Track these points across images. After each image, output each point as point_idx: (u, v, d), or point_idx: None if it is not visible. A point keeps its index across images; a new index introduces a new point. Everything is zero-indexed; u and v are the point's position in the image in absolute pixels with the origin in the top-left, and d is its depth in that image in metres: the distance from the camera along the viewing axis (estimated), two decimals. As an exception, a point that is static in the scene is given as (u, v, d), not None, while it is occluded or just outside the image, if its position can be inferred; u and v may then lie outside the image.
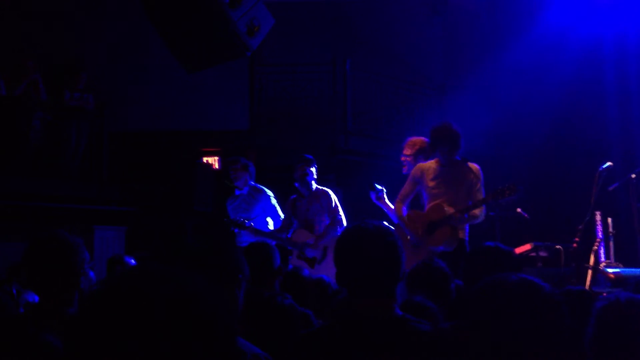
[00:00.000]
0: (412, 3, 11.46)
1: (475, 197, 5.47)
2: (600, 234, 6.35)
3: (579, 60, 9.24)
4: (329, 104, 10.34)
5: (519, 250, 6.69)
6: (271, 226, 6.92)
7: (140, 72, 10.59)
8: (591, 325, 2.09)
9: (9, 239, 7.76)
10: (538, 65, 9.67)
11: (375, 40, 11.20)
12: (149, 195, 9.45)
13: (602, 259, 6.28)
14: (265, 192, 6.98)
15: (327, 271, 5.30)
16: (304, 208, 6.61)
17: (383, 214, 6.22)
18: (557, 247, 6.69)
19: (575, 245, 6.13)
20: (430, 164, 5.68)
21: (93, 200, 9.10)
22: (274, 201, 6.99)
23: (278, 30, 7.23)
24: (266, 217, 6.95)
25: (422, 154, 5.97)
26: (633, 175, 6.33)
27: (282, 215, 6.85)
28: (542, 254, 6.89)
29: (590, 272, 6.19)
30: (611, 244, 6.40)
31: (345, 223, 6.48)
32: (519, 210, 6.95)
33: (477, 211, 5.43)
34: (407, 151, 6.07)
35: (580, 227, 6.13)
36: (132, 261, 5.68)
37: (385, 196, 6.11)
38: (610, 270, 6.04)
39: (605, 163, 6.24)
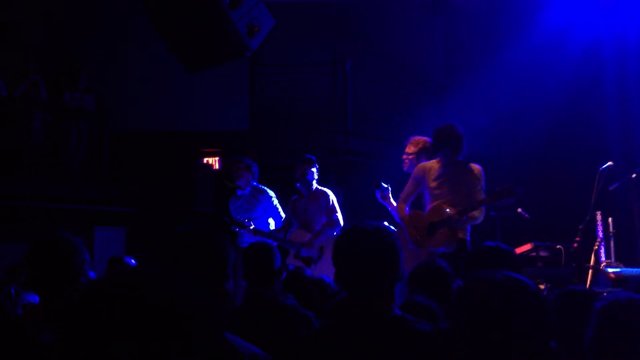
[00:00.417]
0: (412, 3, 11.46)
1: (476, 199, 5.46)
2: (600, 234, 6.35)
3: (579, 61, 9.24)
4: (329, 104, 10.34)
5: (519, 250, 6.69)
6: (272, 227, 6.92)
7: (140, 73, 10.59)
8: (592, 325, 2.09)
9: (8, 240, 7.77)
10: (538, 65, 9.67)
11: (376, 40, 11.21)
12: (149, 195, 9.46)
13: (603, 258, 6.27)
14: (267, 193, 6.99)
15: (325, 271, 5.30)
16: (302, 208, 6.62)
17: (384, 213, 6.22)
18: (558, 247, 6.69)
19: (575, 245, 6.12)
20: (433, 164, 5.67)
21: (93, 200, 9.11)
22: (275, 202, 6.99)
23: (278, 31, 7.23)
24: (268, 218, 6.94)
25: (424, 153, 5.96)
26: (633, 175, 6.32)
27: (284, 216, 6.86)
28: (543, 253, 6.89)
29: (590, 272, 6.19)
30: (612, 243, 6.40)
31: (342, 223, 6.48)
32: (519, 210, 6.94)
33: (476, 213, 5.42)
34: (410, 150, 6.06)
35: (580, 226, 6.12)
36: (133, 261, 5.68)
37: (390, 195, 6.11)
38: (610, 270, 6.04)
39: (605, 163, 6.23)
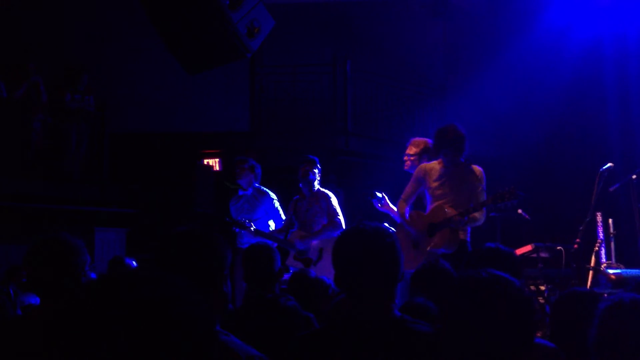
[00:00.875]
0: (412, 4, 11.47)
1: (477, 200, 5.45)
2: (601, 235, 6.34)
3: (579, 61, 9.24)
4: (330, 105, 10.35)
5: (519, 251, 6.69)
6: (272, 229, 6.91)
7: (140, 74, 10.60)
8: (595, 326, 2.09)
9: (9, 241, 7.77)
10: (538, 66, 9.68)
11: (376, 41, 11.21)
12: (149, 196, 9.46)
13: (603, 259, 6.27)
14: (268, 194, 6.99)
15: (325, 272, 5.29)
16: (304, 209, 6.62)
17: (383, 214, 6.21)
18: (558, 248, 6.68)
19: (576, 246, 6.12)
20: (434, 165, 5.66)
21: (94, 201, 9.10)
22: (277, 204, 6.99)
23: (278, 32, 7.24)
24: (269, 219, 6.94)
25: (426, 153, 5.96)
26: (634, 176, 6.31)
27: (285, 218, 6.85)
28: (543, 254, 6.89)
29: (591, 273, 6.19)
30: (612, 244, 6.39)
31: (344, 226, 6.45)
32: (520, 211, 6.94)
33: (477, 214, 5.41)
34: (411, 150, 6.06)
35: (581, 228, 6.12)
36: (133, 263, 5.69)
37: (387, 201, 6.11)
38: (611, 271, 6.03)
39: (606, 164, 6.23)
